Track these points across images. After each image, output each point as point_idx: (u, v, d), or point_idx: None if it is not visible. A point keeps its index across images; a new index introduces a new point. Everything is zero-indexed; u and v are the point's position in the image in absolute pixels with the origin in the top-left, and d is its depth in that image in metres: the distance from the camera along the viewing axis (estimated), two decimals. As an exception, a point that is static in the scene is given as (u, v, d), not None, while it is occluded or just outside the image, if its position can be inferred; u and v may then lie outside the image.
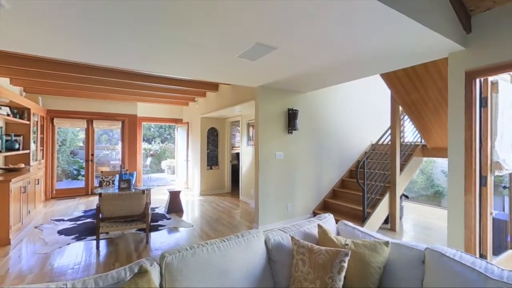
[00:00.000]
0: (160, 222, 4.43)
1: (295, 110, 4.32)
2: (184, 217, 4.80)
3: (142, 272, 1.23)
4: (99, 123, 6.85)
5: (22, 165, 4.43)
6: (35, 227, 4.15)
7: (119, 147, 7.54)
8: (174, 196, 5.15)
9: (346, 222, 2.07)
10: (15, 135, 4.61)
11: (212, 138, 7.05)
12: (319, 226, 1.87)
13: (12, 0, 1.63)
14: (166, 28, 2.03)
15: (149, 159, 11.47)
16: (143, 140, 10.52)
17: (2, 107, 4.13)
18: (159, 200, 5.97)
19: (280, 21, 1.90)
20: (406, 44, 2.31)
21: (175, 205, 5.12)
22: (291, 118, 4.30)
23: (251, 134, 6.07)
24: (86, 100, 6.56)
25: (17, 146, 4.47)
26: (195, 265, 1.42)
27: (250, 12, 1.78)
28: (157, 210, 5.18)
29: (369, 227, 3.81)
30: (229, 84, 5.09)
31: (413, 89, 3.65)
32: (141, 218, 3.54)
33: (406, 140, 4.96)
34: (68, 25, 1.98)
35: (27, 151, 4.73)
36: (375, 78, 4.77)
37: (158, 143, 13.50)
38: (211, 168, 6.98)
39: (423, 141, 4.58)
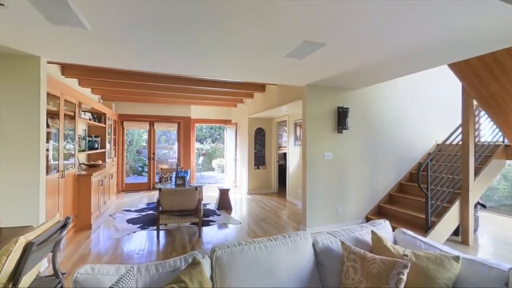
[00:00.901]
0: (211, 218, 4.69)
1: (345, 108, 4.09)
2: (232, 214, 4.99)
3: (195, 263, 1.32)
4: (159, 125, 7.62)
5: (100, 162, 5.20)
6: (110, 215, 4.82)
7: (175, 146, 8.24)
8: (224, 194, 5.40)
9: (405, 230, 1.88)
10: (94, 136, 5.43)
11: (259, 138, 7.17)
12: (373, 233, 1.73)
13: (95, 24, 1.93)
14: (216, 34, 2.14)
15: (201, 158, 12.27)
16: (196, 140, 11.29)
17: (86, 113, 4.92)
18: (210, 197, 6.34)
19: (331, 16, 1.82)
20: (488, 26, 1.97)
21: (224, 202, 5.37)
22: (341, 117, 4.09)
23: (298, 134, 5.98)
24: (148, 105, 7.35)
25: (96, 145, 5.27)
26: (243, 261, 1.46)
27: (299, 10, 1.75)
28: (208, 206, 5.50)
29: (433, 238, 3.37)
30: (276, 84, 5.10)
31: (491, 79, 3.10)
32: (194, 213, 3.80)
33: (482, 139, 4.25)
34: (137, 41, 2.26)
35: (103, 150, 5.53)
36: (441, 69, 4.20)
37: (209, 143, 14.33)
38: (258, 168, 7.10)
39: (506, 140, 3.86)
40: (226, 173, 9.00)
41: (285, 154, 7.22)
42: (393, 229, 1.99)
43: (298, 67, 3.09)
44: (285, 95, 4.87)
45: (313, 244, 1.71)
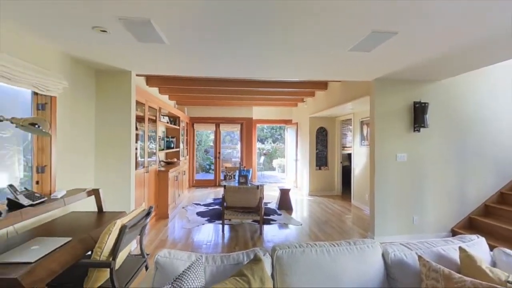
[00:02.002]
0: (271, 217, 4.76)
1: (424, 103, 3.57)
2: (293, 215, 4.95)
3: (257, 260, 1.35)
4: (223, 126, 8.17)
5: (175, 160, 5.89)
6: (182, 208, 5.41)
7: (238, 146, 8.68)
8: (284, 194, 5.40)
9: (508, 251, 1.52)
10: (171, 137, 6.18)
11: (321, 138, 6.90)
12: (462, 250, 1.46)
13: (171, 38, 2.20)
14: (278, 34, 2.16)
15: (262, 157, 12.57)
16: (257, 140, 11.64)
17: (164, 117, 5.65)
18: (270, 196, 6.44)
19: (403, -1, 1.62)
20: None
21: (285, 202, 5.37)
22: (418, 113, 3.58)
23: (365, 133, 5.52)
24: (214, 108, 7.95)
25: (172, 145, 5.99)
26: (304, 263, 1.43)
27: (365, -2, 1.61)
28: (269, 205, 5.59)
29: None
30: (340, 81, 4.82)
31: None
32: (256, 210, 3.92)
33: None
34: (205, 50, 2.47)
35: (178, 149, 6.25)
36: None
37: (270, 143, 14.57)
38: (320, 169, 6.85)
39: None
40: (287, 173, 8.98)
41: (349, 155, 6.77)
42: (491, 248, 1.63)
43: (364, 61, 2.84)
44: (349, 92, 4.56)
45: (383, 255, 1.54)
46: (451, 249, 1.55)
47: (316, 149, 6.85)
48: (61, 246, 1.65)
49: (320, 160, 6.87)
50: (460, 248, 1.48)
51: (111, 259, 1.65)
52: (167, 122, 5.74)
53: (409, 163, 3.66)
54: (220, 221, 4.10)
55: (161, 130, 5.77)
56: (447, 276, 1.28)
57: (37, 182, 2.37)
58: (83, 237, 1.84)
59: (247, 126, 8.11)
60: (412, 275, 1.45)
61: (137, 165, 3.73)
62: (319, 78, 3.89)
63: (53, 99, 2.44)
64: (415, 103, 3.62)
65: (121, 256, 1.84)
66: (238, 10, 1.76)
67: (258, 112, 8.32)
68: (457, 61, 2.81)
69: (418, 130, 3.63)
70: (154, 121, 4.78)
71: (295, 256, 1.45)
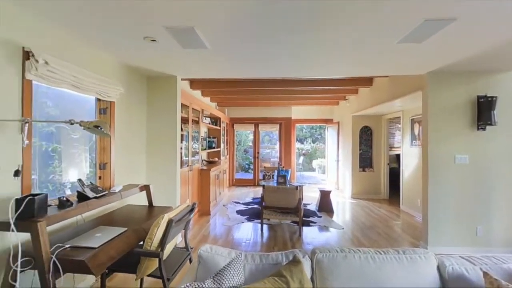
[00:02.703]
0: (311, 219, 4.64)
1: (491, 97, 3.10)
2: (334, 218, 4.75)
3: (296, 261, 1.33)
4: (262, 126, 8.23)
5: (216, 159, 6.13)
6: (223, 205, 5.60)
7: (277, 146, 8.66)
8: (325, 196, 5.22)
9: None
10: (212, 137, 6.46)
11: (365, 137, 6.49)
12: (542, 269, 1.23)
13: (213, 43, 2.30)
14: (323, 32, 2.09)
15: (302, 158, 12.34)
16: (296, 140, 11.47)
17: (206, 118, 5.93)
18: (310, 198, 6.28)
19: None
20: None
21: (325, 204, 5.18)
22: (484, 109, 3.13)
23: (416, 132, 5.03)
24: (253, 108, 8.07)
25: (213, 145, 6.25)
26: (346, 269, 1.36)
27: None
28: (308, 207, 5.46)
29: None
30: (386, 76, 4.47)
31: None
32: (295, 211, 3.87)
33: None
34: (248, 53, 2.52)
35: (219, 149, 6.50)
36: None
37: (310, 143, 14.23)
38: (363, 170, 6.45)
39: None
40: (327, 174, 8.67)
41: (398, 155, 6.24)
42: None
43: (415, 53, 2.59)
44: (398, 88, 4.20)
45: (438, 267, 1.39)
46: (528, 267, 1.32)
47: (360, 150, 6.47)
48: (119, 235, 1.85)
49: (364, 161, 6.47)
50: (539, 267, 1.25)
51: (159, 250, 1.79)
52: (209, 123, 6.01)
53: (472, 166, 3.22)
54: (259, 220, 4.14)
55: (203, 130, 6.07)
56: (522, 299, 1.10)
57: (100, 178, 2.69)
58: (136, 228, 2.03)
59: (285, 126, 8.05)
60: (475, 294, 1.27)
61: (182, 163, 3.97)
62: (363, 74, 3.66)
63: (112, 104, 2.75)
64: (479, 97, 3.17)
65: (168, 248, 1.98)
66: (282, 10, 1.75)
67: (297, 111, 8.20)
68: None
69: (483, 128, 3.17)
70: (197, 122, 5.05)
71: (336, 261, 1.39)
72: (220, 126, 6.60)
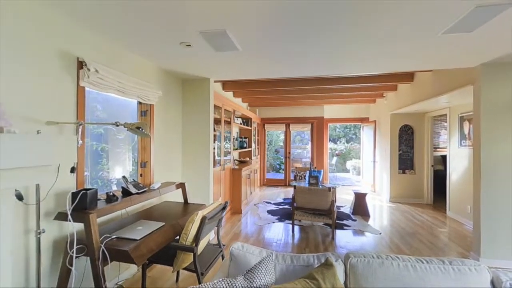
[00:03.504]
0: (345, 222, 4.46)
1: (561, 89, 2.68)
2: (370, 222, 4.51)
3: (328, 265, 1.29)
4: (293, 126, 8.13)
5: (247, 159, 6.21)
6: (254, 205, 5.66)
7: (309, 146, 8.49)
8: (360, 198, 4.98)
9: None
10: (243, 137, 6.56)
11: (406, 137, 6.04)
12: None
13: (244, 45, 2.34)
14: (360, 26, 2.01)
15: (335, 158, 11.92)
16: (329, 140, 11.12)
17: (238, 118, 6.04)
18: (343, 200, 6.04)
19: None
20: None
21: (360, 207, 4.94)
22: (551, 104, 2.71)
23: (466, 131, 4.55)
24: (284, 108, 8.01)
25: (245, 145, 6.34)
26: (383, 277, 1.28)
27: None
28: (342, 209, 5.26)
29: None
30: (430, 70, 4.11)
31: None
32: (328, 213, 3.75)
33: None
34: (276, 52, 2.52)
35: (250, 149, 6.58)
36: None
37: (343, 143, 13.69)
38: (403, 172, 6.01)
39: None
40: (363, 175, 8.25)
41: (444, 157, 5.70)
42: None
43: (464, 44, 2.34)
44: (444, 82, 3.83)
45: (492, 282, 1.24)
46: None
47: (399, 150, 6.04)
48: (157, 229, 1.98)
49: (404, 162, 6.02)
50: None
51: (194, 245, 1.88)
52: (240, 123, 6.11)
53: (536, 169, 2.81)
54: (290, 221, 4.09)
55: (235, 131, 6.19)
56: None
57: (141, 175, 2.90)
58: (173, 223, 2.15)
59: (318, 126, 7.85)
60: (540, 315, 1.11)
61: (214, 163, 4.10)
62: (404, 69, 3.40)
63: (151, 106, 2.95)
64: (545, 90, 2.76)
65: (202, 244, 2.06)
66: (318, 7, 1.72)
67: (330, 110, 7.95)
68: None
69: (551, 126, 2.75)
70: (229, 123, 5.17)
71: (371, 267, 1.32)
72: (251, 127, 6.68)
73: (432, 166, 5.83)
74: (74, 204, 1.65)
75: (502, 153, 2.88)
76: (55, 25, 1.81)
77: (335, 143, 13.78)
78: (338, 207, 5.42)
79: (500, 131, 2.89)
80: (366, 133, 7.93)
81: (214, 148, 4.05)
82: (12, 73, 1.53)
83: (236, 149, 5.97)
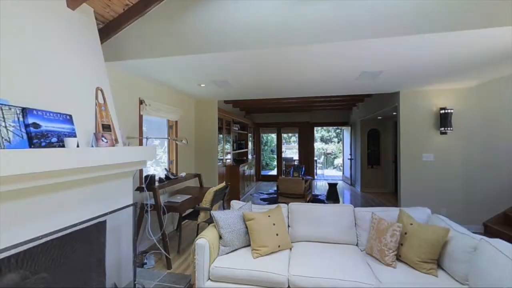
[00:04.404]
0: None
1: None
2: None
3: (278, 207, 2.68)
4: (284, 130, 9.51)
5: (244, 158, 7.59)
6: (250, 195, 7.04)
7: (297, 146, 9.85)
8: (331, 187, 6.34)
9: None
10: (241, 140, 7.94)
11: (373, 138, 7.41)
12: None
13: (235, 83, 3.72)
14: (297, 77, 3.40)
15: (322, 157, 13.25)
16: (321, 141, 12.41)
17: (236, 125, 7.42)
18: (323, 189, 7.39)
19: None
20: None
21: (332, 194, 6.31)
22: None
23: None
24: (276, 114, 9.39)
25: (242, 146, 7.72)
26: (305, 217, 2.67)
27: None
28: (319, 197, 6.63)
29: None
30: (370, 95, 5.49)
31: None
32: (302, 197, 5.13)
33: None
34: (258, 84, 3.90)
35: (246, 150, 7.95)
36: None
37: (335, 143, 15.06)
38: (372, 167, 7.37)
39: None
40: (343, 171, 9.60)
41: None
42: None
43: (371, 84, 3.72)
44: (380, 102, 5.20)
45: (354, 211, 2.62)
46: (401, 212, 2.49)
47: (368, 149, 7.41)
48: (187, 199, 3.37)
49: (373, 159, 7.40)
50: (402, 211, 2.41)
51: (210, 206, 3.26)
52: (238, 129, 7.49)
53: (435, 162, 4.18)
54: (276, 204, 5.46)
55: (233, 135, 7.57)
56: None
57: (170, 169, 4.28)
58: (195, 196, 3.54)
59: (305, 129, 9.21)
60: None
61: (217, 161, 5.48)
62: (350, 93, 4.81)
63: (176, 122, 4.33)
64: None
65: (214, 207, 3.44)
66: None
67: (316, 115, 9.28)
68: None
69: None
70: (229, 129, 6.55)
71: (299, 211, 2.70)
72: (247, 131, 8.05)
73: (393, 161, 7.21)
74: (146, 182, 3.03)
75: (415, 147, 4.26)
76: (132, 82, 3.20)
77: (327, 144, 15.13)
78: (316, 195, 6.80)
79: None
80: (345, 135, 9.30)
81: (218, 149, 5.42)
82: (113, 111, 2.92)
83: (235, 150, 7.35)
